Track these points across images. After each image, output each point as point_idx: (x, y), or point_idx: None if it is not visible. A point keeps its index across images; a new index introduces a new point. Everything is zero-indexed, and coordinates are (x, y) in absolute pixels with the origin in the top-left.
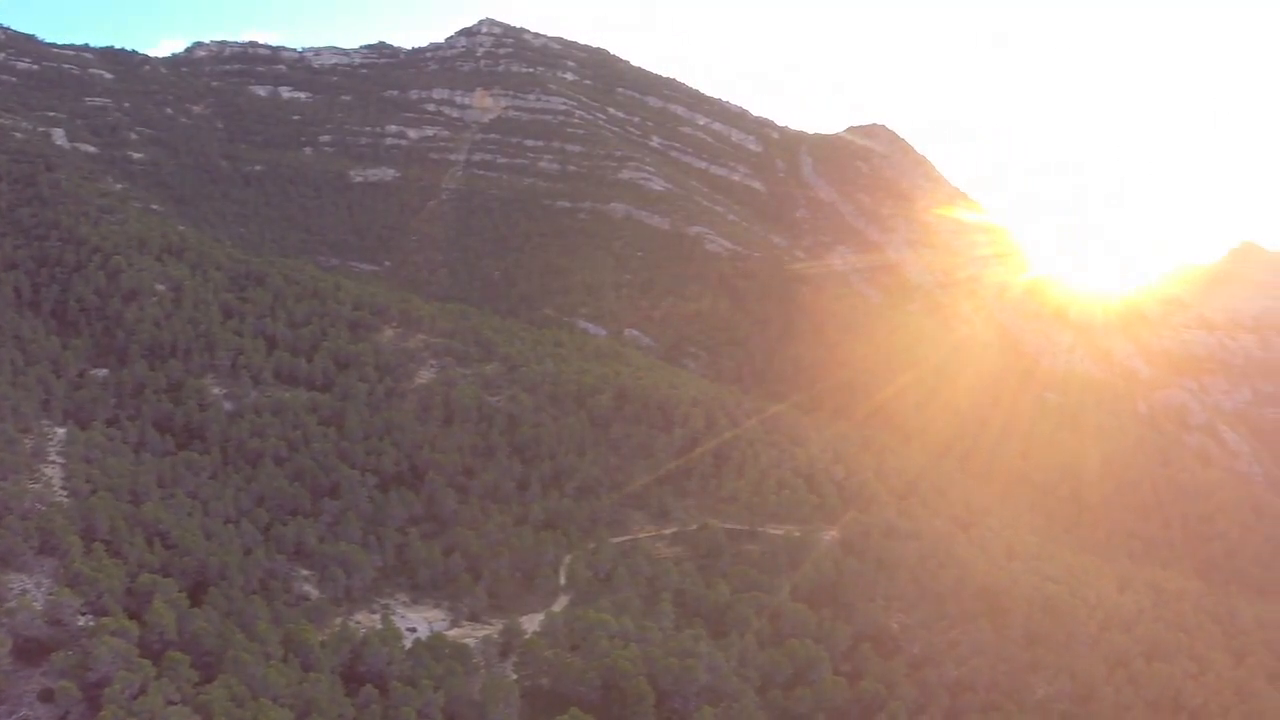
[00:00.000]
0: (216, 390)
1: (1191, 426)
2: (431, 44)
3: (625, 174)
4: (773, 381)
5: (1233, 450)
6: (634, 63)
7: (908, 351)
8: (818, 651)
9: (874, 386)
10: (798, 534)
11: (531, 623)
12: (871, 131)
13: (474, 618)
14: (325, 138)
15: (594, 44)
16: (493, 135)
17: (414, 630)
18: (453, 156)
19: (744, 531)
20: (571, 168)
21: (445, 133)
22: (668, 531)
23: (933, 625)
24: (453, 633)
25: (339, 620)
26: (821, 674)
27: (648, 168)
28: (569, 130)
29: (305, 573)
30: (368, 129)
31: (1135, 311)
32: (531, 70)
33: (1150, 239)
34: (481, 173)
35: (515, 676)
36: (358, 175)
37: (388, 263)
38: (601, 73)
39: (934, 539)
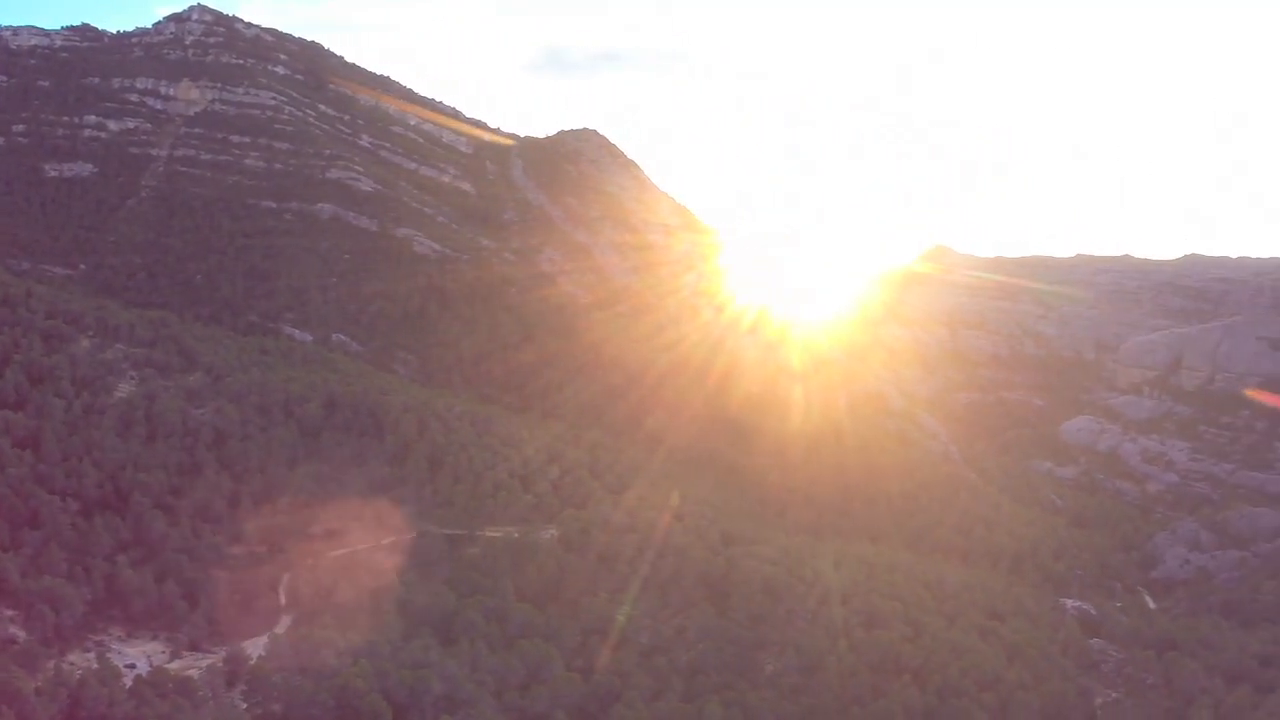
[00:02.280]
0: None
1: (891, 413)
2: (139, 29)
3: (333, 173)
4: (483, 384)
5: (930, 432)
6: (348, 58)
7: (616, 352)
8: (548, 650)
9: (583, 386)
10: (517, 535)
11: (256, 647)
12: (582, 135)
13: (195, 647)
14: (19, 127)
15: (309, 37)
16: (197, 130)
17: (133, 666)
18: (155, 151)
19: (463, 536)
20: (278, 166)
21: (148, 125)
22: (386, 541)
23: (658, 614)
24: (174, 665)
25: (52, 663)
26: (555, 672)
27: (356, 167)
28: (277, 127)
29: (9, 613)
30: (65, 119)
31: (839, 311)
32: (241, 62)
33: (853, 243)
34: (184, 169)
35: (245, 705)
36: (52, 170)
37: (83, 266)
38: (314, 67)
39: (651, 530)
